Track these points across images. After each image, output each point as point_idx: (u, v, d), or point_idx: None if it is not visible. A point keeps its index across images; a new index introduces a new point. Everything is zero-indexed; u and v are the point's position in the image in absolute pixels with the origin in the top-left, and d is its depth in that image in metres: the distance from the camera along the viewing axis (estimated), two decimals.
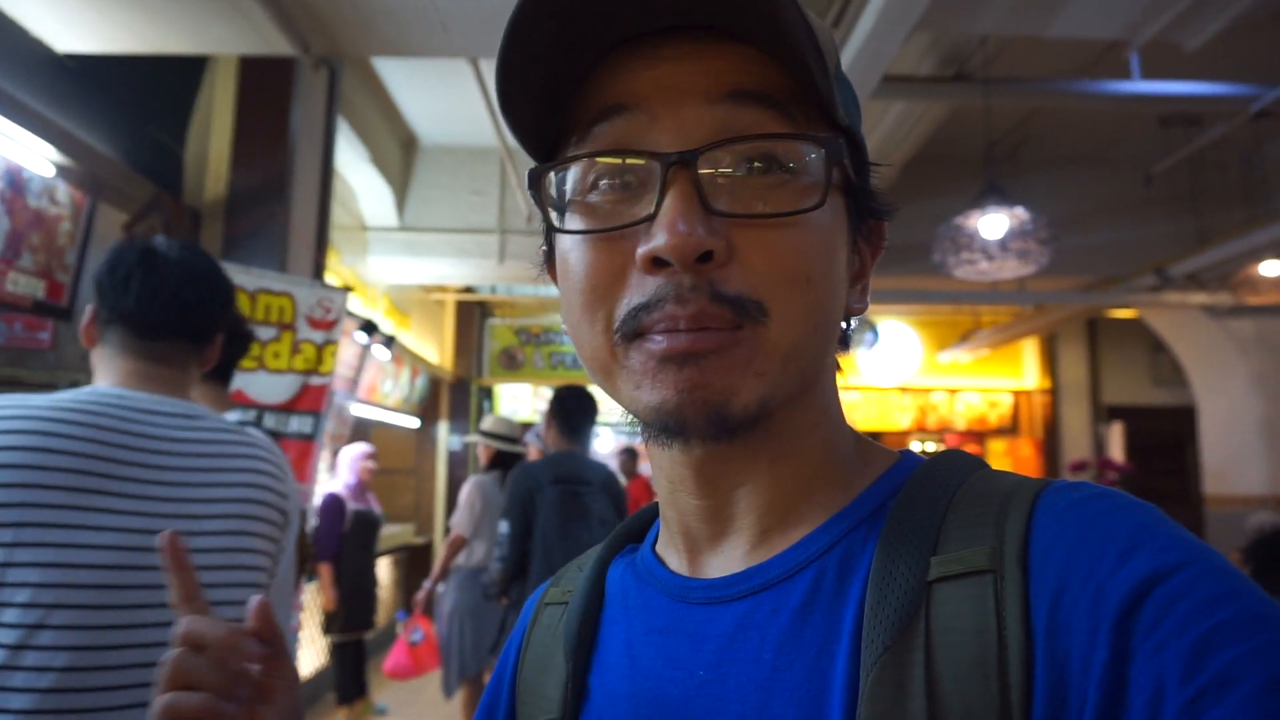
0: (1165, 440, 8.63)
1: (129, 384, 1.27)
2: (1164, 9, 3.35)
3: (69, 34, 2.93)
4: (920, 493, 0.47)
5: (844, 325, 0.53)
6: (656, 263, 0.44)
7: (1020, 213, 4.41)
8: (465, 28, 3.11)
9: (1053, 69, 5.07)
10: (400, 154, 6.10)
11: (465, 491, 4.22)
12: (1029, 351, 9.37)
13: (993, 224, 4.50)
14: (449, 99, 5.55)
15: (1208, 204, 6.27)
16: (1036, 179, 6.20)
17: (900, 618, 0.41)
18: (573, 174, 0.48)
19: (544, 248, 0.56)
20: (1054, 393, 9.18)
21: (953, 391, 9.35)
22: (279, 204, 3.69)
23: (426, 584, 4.21)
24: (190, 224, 3.59)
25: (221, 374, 1.87)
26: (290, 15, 3.03)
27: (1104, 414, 8.92)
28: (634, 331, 0.45)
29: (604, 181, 0.47)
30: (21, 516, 1.04)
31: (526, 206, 5.98)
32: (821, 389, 0.52)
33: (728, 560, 0.51)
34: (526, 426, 5.10)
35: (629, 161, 0.46)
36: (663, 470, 0.53)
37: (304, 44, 3.19)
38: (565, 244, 0.49)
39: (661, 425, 0.46)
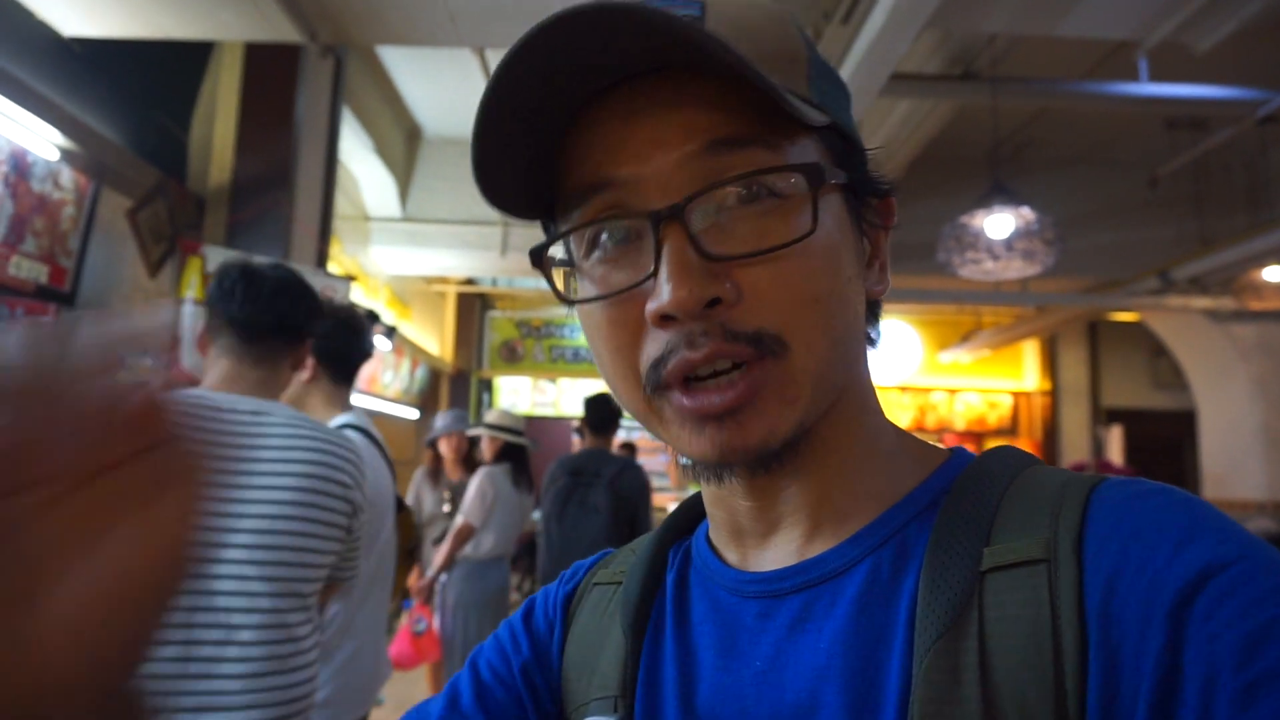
0: (1164, 444, 8.63)
1: (221, 385, 1.51)
2: (1176, 9, 3.34)
3: (75, 18, 2.91)
4: (973, 487, 0.47)
5: (870, 314, 0.53)
6: (665, 319, 0.45)
7: (1026, 213, 4.40)
8: (473, 19, 3.09)
9: (1060, 70, 5.05)
10: (404, 145, 6.08)
11: (477, 480, 4.20)
12: (1029, 353, 9.37)
13: (998, 223, 4.49)
14: (454, 90, 5.53)
15: (1212, 208, 6.26)
16: (1041, 179, 6.19)
17: (953, 606, 0.42)
18: (571, 244, 0.50)
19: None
20: (1054, 394, 9.18)
21: (952, 392, 9.35)
22: (283, 192, 3.67)
23: (430, 573, 4.19)
24: (194, 210, 3.58)
25: (345, 377, 2.10)
26: (297, 3, 3.02)
27: (1103, 416, 8.92)
28: (658, 384, 0.46)
29: (604, 239, 0.48)
30: None
31: None
32: (856, 386, 0.52)
33: (780, 553, 0.52)
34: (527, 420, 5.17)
35: (617, 222, 0.47)
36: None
37: (310, 32, 3.17)
38: (584, 306, 0.50)
39: (705, 470, 0.48)
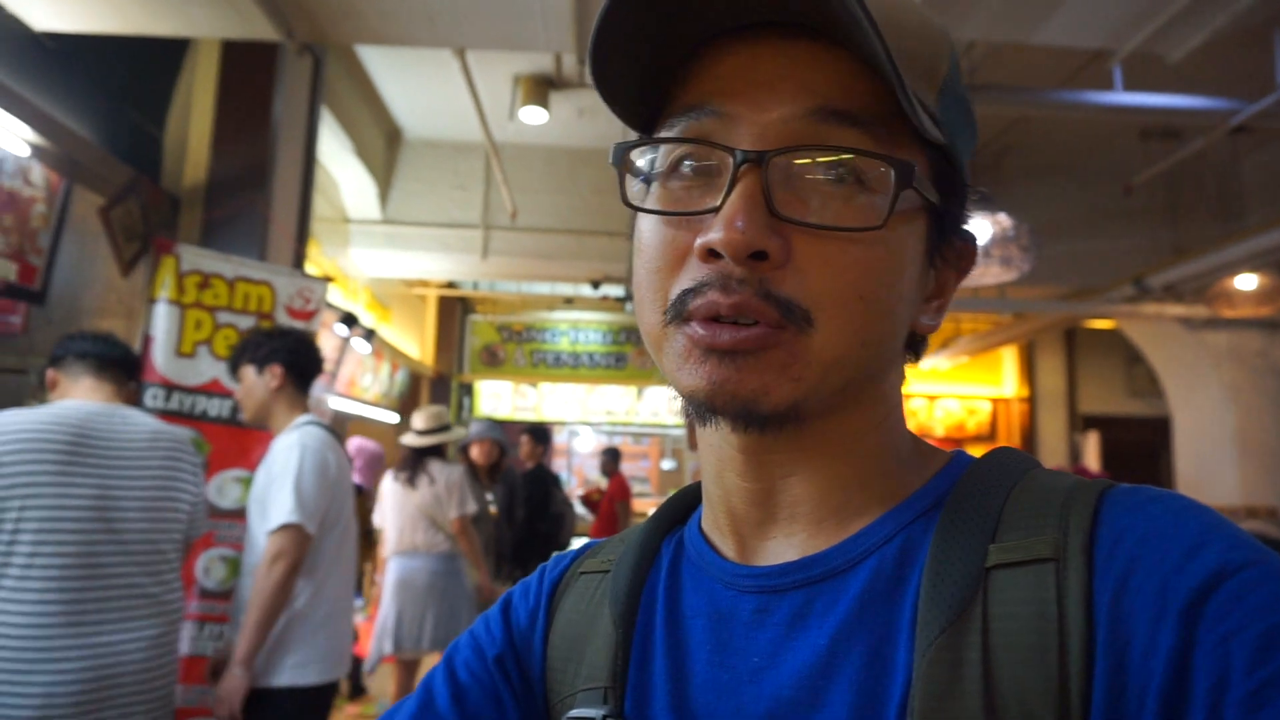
0: (1140, 450, 8.71)
1: (88, 397, 2.10)
2: (1148, 19, 3.38)
3: (47, 12, 2.88)
4: (978, 486, 0.48)
5: (910, 345, 0.54)
6: (711, 254, 0.45)
7: (1003, 219, 4.43)
8: (452, 19, 3.09)
9: (1037, 80, 5.10)
10: (384, 146, 6.05)
11: (381, 487, 4.37)
12: (1008, 360, 9.44)
13: (977, 229, 4.52)
14: (434, 92, 5.51)
15: (1185, 217, 6.34)
16: (1019, 187, 6.24)
17: (957, 602, 0.42)
18: (658, 154, 0.49)
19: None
20: (1032, 401, 9.25)
21: (932, 398, 9.40)
22: (260, 192, 3.64)
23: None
24: (169, 209, 3.54)
25: (304, 386, 2.57)
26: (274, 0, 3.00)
27: (1080, 423, 8.99)
28: (680, 314, 0.46)
29: (685, 165, 0.48)
30: (26, 492, 1.84)
31: (511, 203, 5.95)
32: (882, 397, 0.52)
33: (781, 547, 0.51)
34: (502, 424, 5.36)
35: (705, 151, 0.47)
36: (711, 448, 0.53)
37: (288, 29, 3.15)
38: (642, 222, 0.50)
39: (694, 407, 0.48)
